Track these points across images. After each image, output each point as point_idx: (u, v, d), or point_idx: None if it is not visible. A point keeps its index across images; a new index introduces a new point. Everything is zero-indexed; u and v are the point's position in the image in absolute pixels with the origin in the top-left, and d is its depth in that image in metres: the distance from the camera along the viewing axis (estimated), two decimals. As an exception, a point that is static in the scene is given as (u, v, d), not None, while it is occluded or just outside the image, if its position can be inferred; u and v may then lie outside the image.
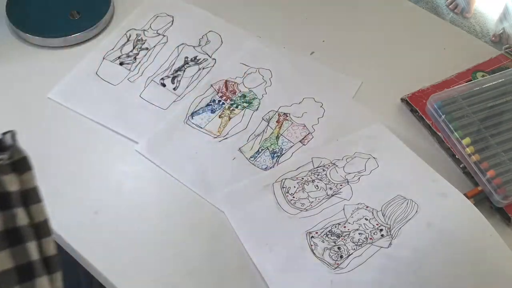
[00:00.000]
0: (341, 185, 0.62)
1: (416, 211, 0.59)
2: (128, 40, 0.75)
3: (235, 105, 0.69)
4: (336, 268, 0.56)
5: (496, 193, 0.59)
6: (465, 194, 0.60)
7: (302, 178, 0.62)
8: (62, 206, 0.60)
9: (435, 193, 0.61)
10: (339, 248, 0.57)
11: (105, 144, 0.65)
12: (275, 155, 0.65)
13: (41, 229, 0.39)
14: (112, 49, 0.74)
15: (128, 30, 0.76)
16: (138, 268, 0.56)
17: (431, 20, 0.81)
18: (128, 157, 0.64)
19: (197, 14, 0.78)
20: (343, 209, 0.60)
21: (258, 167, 0.64)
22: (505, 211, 0.60)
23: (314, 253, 0.57)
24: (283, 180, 0.62)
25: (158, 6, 0.79)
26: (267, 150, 0.65)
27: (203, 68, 0.72)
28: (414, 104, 0.68)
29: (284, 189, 0.62)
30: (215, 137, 0.66)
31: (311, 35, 0.77)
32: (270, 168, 0.64)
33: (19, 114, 0.67)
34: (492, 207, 0.61)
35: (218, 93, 0.70)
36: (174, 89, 0.70)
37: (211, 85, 0.70)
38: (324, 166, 0.64)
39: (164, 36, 0.75)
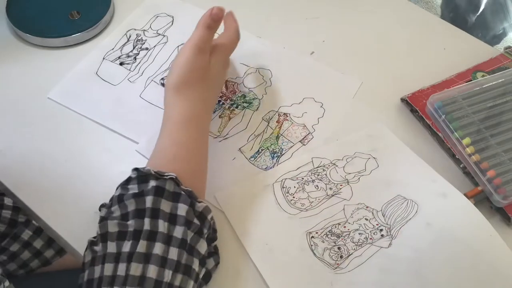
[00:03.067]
0: (341, 185, 0.62)
1: (416, 211, 0.59)
2: (128, 40, 0.75)
3: (235, 105, 0.69)
4: (336, 268, 0.56)
5: (496, 193, 0.59)
6: (465, 194, 0.60)
7: (302, 178, 0.62)
8: (62, 206, 0.60)
9: (435, 193, 0.61)
10: (339, 248, 0.57)
11: (104, 144, 0.65)
12: (275, 155, 0.65)
13: None
14: (112, 49, 0.74)
15: (128, 30, 0.76)
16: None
17: (432, 20, 0.81)
18: (128, 157, 0.64)
19: (197, 14, 0.78)
20: (343, 209, 0.60)
21: (258, 167, 0.64)
22: (505, 211, 0.60)
23: (314, 253, 0.57)
24: (283, 180, 0.62)
25: (158, 6, 0.79)
26: (267, 150, 0.65)
27: (203, 68, 0.72)
28: (414, 104, 0.68)
29: (284, 189, 0.62)
30: (215, 137, 0.66)
31: (311, 35, 0.77)
32: (270, 168, 0.64)
33: (19, 114, 0.67)
34: (492, 207, 0.61)
35: (218, 93, 0.70)
36: (174, 89, 0.70)
37: (211, 85, 0.70)
38: (324, 166, 0.64)
39: (164, 36, 0.75)
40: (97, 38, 0.75)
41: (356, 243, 0.57)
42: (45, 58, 0.72)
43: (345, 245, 0.57)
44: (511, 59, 0.73)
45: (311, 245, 0.57)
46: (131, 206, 0.48)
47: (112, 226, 0.48)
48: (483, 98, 0.67)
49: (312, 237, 0.58)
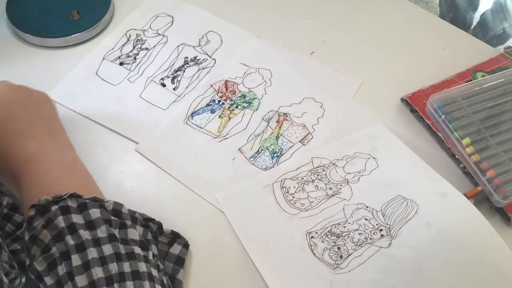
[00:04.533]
0: (341, 185, 0.62)
1: (416, 211, 0.59)
2: (128, 40, 0.75)
3: (235, 105, 0.69)
4: (336, 268, 0.56)
5: (496, 193, 0.59)
6: (465, 194, 0.60)
7: (302, 178, 0.62)
8: (62, 206, 0.60)
9: (435, 193, 0.61)
10: (339, 248, 0.57)
11: (105, 144, 0.65)
12: (275, 155, 0.65)
13: None
14: (112, 49, 0.74)
15: (128, 30, 0.76)
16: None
17: (431, 20, 0.81)
18: (128, 157, 0.64)
19: (197, 14, 0.78)
20: (343, 209, 0.60)
21: (258, 167, 0.64)
22: (505, 211, 0.60)
23: (314, 253, 0.57)
24: (283, 180, 0.62)
25: (158, 6, 0.79)
26: (267, 150, 0.65)
27: (203, 68, 0.72)
28: (414, 104, 0.68)
29: (284, 189, 0.62)
30: (215, 137, 0.66)
31: (311, 35, 0.77)
32: (270, 168, 0.64)
33: (19, 114, 0.67)
34: (492, 207, 0.61)
35: (218, 93, 0.70)
36: (174, 89, 0.70)
37: (211, 85, 0.70)
38: (324, 166, 0.64)
39: (164, 36, 0.75)
40: (97, 38, 0.75)
41: (356, 243, 0.57)
42: (45, 58, 0.72)
43: (344, 245, 0.57)
44: (511, 59, 0.73)
45: (311, 245, 0.57)
46: (46, 237, 0.47)
47: (40, 265, 0.47)
48: (483, 98, 0.66)
49: (312, 237, 0.58)
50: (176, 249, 0.54)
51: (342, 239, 0.58)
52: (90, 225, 0.48)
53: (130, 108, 0.68)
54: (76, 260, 0.46)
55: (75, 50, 0.74)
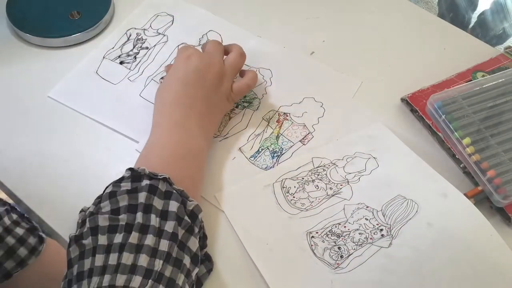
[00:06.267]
0: (341, 185, 0.62)
1: (417, 211, 0.59)
2: (128, 39, 0.75)
3: (235, 105, 0.69)
4: (336, 268, 0.56)
5: (496, 193, 0.59)
6: (465, 194, 0.60)
7: (302, 178, 0.62)
8: (62, 206, 0.60)
9: (435, 193, 0.61)
10: (339, 248, 0.57)
11: (105, 143, 0.65)
12: (275, 154, 0.65)
13: None
14: (112, 48, 0.74)
15: (128, 29, 0.76)
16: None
17: (431, 20, 0.81)
18: (128, 156, 0.64)
19: (197, 14, 0.78)
20: (343, 209, 0.60)
21: (258, 167, 0.64)
22: (505, 211, 0.60)
23: (314, 253, 0.57)
24: (283, 180, 0.62)
25: (158, 6, 0.79)
26: (267, 149, 0.65)
27: (203, 68, 0.72)
28: (414, 104, 0.68)
29: (284, 189, 0.62)
30: (216, 137, 0.66)
31: (311, 35, 0.77)
32: (270, 168, 0.64)
33: (19, 114, 0.67)
34: (492, 207, 0.61)
35: (218, 93, 0.70)
36: (174, 89, 0.70)
37: (211, 85, 0.70)
38: (324, 166, 0.64)
39: (164, 35, 0.75)
40: (97, 38, 0.75)
41: (356, 243, 0.57)
42: (45, 58, 0.72)
43: (345, 245, 0.57)
44: (511, 59, 0.73)
45: (311, 245, 0.57)
46: (123, 201, 0.49)
47: (103, 220, 0.48)
48: (483, 98, 0.67)
49: (312, 237, 0.58)
50: (200, 270, 0.54)
51: (342, 239, 0.58)
52: (163, 214, 0.49)
53: (130, 107, 0.68)
54: (134, 237, 0.47)
55: (75, 50, 0.74)
